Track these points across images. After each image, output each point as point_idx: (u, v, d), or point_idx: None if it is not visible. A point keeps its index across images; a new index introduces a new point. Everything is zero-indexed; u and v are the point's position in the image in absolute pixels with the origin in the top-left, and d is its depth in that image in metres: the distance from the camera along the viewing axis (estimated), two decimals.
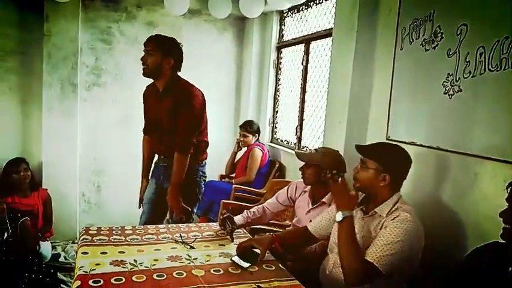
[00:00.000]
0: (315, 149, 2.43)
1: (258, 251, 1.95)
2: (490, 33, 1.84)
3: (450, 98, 2.06)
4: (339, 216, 1.72)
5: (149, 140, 2.84)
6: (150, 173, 2.85)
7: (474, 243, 1.85)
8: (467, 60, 1.96)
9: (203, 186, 2.80)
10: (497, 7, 1.84)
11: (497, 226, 1.75)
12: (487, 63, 1.85)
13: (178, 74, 2.63)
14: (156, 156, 2.85)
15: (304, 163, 2.37)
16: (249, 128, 4.03)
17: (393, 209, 1.76)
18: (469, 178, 1.96)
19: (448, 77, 2.07)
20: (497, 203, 1.77)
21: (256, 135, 4.07)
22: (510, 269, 1.38)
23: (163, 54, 2.53)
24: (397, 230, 1.66)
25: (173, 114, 2.54)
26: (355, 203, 1.80)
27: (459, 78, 2.00)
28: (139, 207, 2.84)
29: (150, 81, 2.65)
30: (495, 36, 1.81)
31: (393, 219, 1.71)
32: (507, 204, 1.43)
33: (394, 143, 2.09)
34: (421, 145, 2.19)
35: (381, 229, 1.72)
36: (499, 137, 1.80)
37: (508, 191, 1.42)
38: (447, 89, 2.07)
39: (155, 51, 2.52)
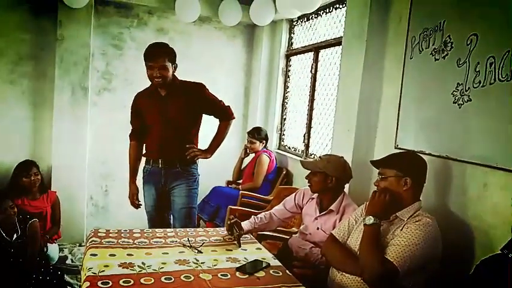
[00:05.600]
0: (319, 157, 2.44)
1: (264, 259, 1.98)
2: (500, 44, 1.84)
3: (460, 108, 2.06)
4: (370, 220, 1.77)
5: (137, 145, 2.98)
6: (143, 178, 2.93)
7: (482, 254, 1.84)
8: (477, 70, 1.96)
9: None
10: (507, 17, 1.84)
11: (506, 236, 1.75)
12: (496, 73, 1.85)
13: None
14: (149, 160, 2.89)
15: (309, 171, 2.38)
16: (256, 134, 4.04)
17: (415, 214, 1.79)
18: (478, 188, 1.96)
19: (457, 87, 2.07)
20: (507, 213, 1.77)
21: (264, 141, 4.08)
22: None
23: (172, 64, 2.62)
24: (418, 232, 1.68)
25: (189, 109, 2.68)
26: (388, 216, 1.84)
27: (469, 88, 2.00)
28: (137, 208, 2.99)
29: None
30: (505, 47, 1.81)
31: (416, 221, 1.73)
32: None
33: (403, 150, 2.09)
34: (430, 154, 2.19)
35: (401, 230, 1.74)
36: (509, 147, 1.79)
37: None
38: (456, 98, 2.08)
39: (167, 63, 2.58)
